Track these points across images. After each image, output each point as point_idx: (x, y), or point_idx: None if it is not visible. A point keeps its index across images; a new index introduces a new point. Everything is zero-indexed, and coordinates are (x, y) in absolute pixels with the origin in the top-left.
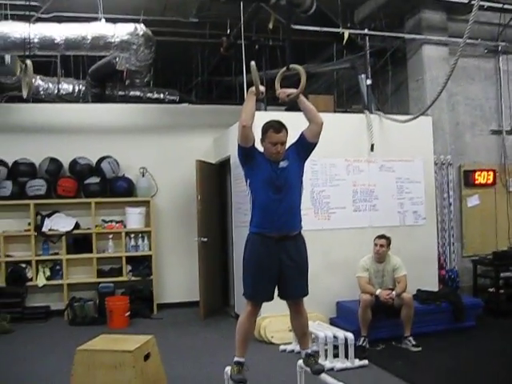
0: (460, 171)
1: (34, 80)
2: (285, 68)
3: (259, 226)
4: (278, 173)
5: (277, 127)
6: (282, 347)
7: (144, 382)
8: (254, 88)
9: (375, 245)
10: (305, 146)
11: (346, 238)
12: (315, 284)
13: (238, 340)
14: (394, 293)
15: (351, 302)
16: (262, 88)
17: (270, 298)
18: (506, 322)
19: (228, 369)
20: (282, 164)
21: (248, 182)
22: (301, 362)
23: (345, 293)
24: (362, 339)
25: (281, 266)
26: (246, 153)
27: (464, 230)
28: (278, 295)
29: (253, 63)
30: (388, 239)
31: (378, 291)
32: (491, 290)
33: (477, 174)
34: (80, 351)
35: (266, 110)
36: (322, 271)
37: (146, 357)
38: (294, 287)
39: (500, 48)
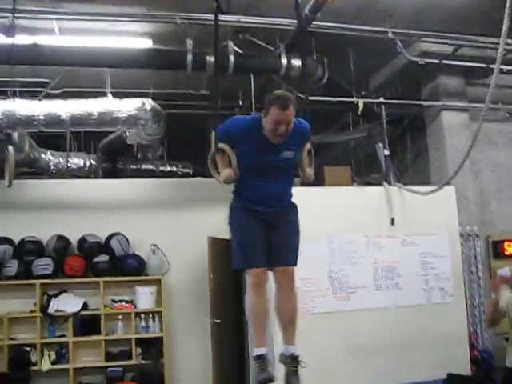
0: (488, 242)
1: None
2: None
3: (245, 200)
4: (276, 163)
5: (283, 102)
6: None
7: None
8: (233, 174)
9: None
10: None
11: (367, 320)
12: (333, 372)
13: (254, 326)
14: None
15: None
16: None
17: (266, 261)
18: None
19: None
20: (286, 154)
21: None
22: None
23: (370, 381)
24: None
25: (270, 225)
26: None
27: None
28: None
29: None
30: None
31: None
32: None
33: (506, 244)
34: None
35: None
36: (342, 357)
37: None
38: (285, 248)
39: None
